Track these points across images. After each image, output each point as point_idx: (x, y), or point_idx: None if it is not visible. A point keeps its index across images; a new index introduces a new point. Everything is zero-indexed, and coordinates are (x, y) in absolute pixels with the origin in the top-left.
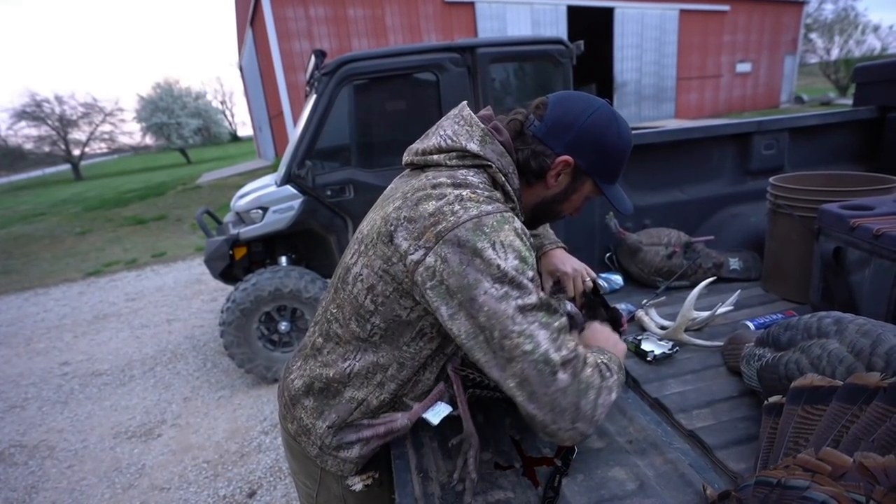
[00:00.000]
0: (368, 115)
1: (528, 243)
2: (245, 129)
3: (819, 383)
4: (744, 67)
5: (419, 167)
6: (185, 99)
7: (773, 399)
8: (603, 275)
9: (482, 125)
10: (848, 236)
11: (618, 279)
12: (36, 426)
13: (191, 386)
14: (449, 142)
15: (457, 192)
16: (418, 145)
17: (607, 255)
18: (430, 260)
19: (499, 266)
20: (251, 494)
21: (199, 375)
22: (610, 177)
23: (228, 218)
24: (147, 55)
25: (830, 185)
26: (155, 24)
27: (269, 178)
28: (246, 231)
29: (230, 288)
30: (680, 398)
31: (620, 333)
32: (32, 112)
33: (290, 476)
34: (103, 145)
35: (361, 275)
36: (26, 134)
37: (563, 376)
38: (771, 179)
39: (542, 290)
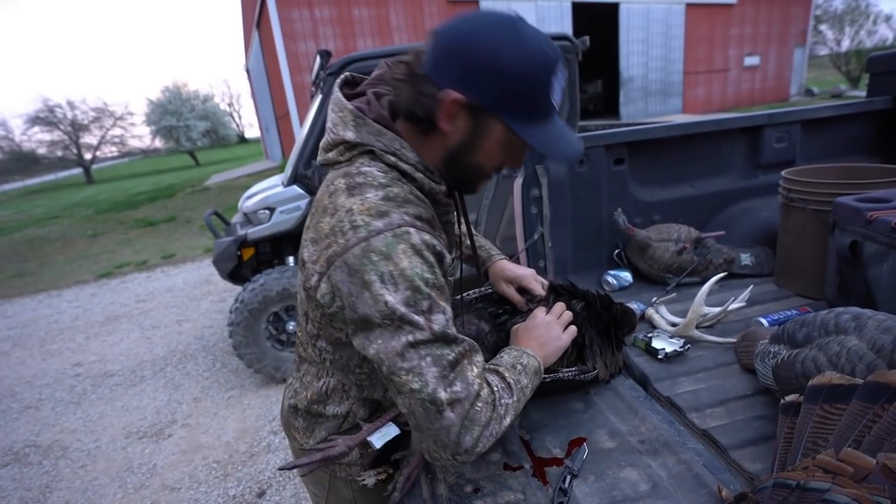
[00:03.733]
0: None
1: (428, 259)
2: (252, 131)
3: (838, 381)
4: (752, 61)
5: (329, 166)
6: (193, 102)
7: (789, 398)
8: (611, 272)
9: (349, 106)
10: (864, 230)
11: (627, 276)
12: (50, 426)
13: (200, 386)
14: (332, 135)
15: (349, 203)
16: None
17: (616, 251)
18: (324, 287)
19: (386, 303)
20: (261, 494)
21: (209, 376)
22: (523, 111)
23: (236, 219)
24: (155, 59)
25: (845, 177)
26: (163, 29)
27: (275, 179)
28: (253, 231)
29: (239, 288)
30: (692, 396)
31: (630, 333)
32: (45, 117)
33: (299, 477)
34: (114, 149)
35: (300, 299)
36: (40, 139)
37: (449, 415)
38: (783, 173)
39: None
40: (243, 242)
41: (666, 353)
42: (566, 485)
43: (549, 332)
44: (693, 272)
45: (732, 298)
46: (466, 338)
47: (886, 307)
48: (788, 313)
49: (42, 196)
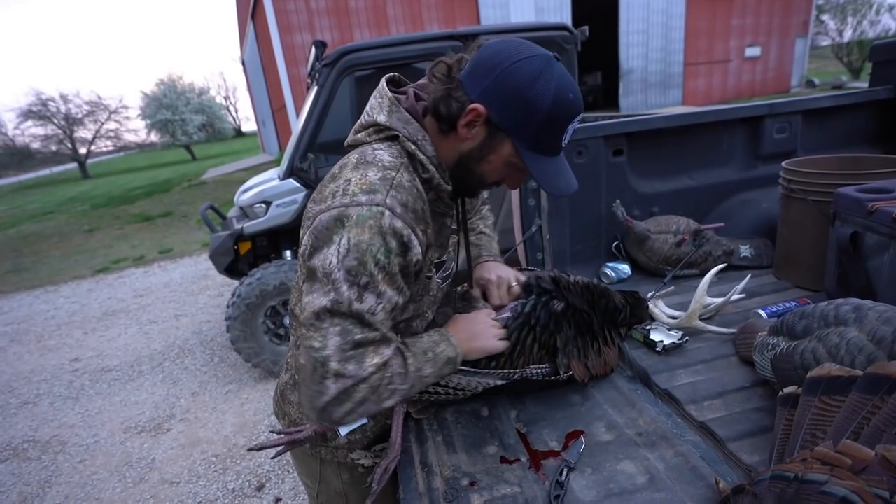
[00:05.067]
0: None
1: (389, 243)
2: (249, 125)
3: (837, 373)
4: (753, 52)
5: (354, 147)
6: (189, 95)
7: (788, 390)
8: (610, 264)
9: (389, 94)
10: (865, 220)
11: (625, 268)
12: (48, 422)
13: (199, 381)
14: (367, 117)
15: (351, 175)
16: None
17: (614, 243)
18: (307, 238)
19: (331, 262)
20: (260, 488)
21: (207, 370)
22: (534, 143)
23: (233, 213)
24: (150, 52)
25: (846, 168)
26: (157, 21)
27: (272, 172)
28: (250, 226)
29: (236, 283)
30: (690, 389)
31: (639, 323)
32: (39, 111)
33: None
34: (109, 143)
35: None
36: (33, 133)
37: (329, 385)
38: (784, 164)
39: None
40: (240, 236)
41: (664, 346)
42: (563, 478)
43: (486, 330)
44: (692, 264)
45: (736, 287)
46: (383, 330)
47: (887, 298)
48: (787, 305)
49: (37, 191)
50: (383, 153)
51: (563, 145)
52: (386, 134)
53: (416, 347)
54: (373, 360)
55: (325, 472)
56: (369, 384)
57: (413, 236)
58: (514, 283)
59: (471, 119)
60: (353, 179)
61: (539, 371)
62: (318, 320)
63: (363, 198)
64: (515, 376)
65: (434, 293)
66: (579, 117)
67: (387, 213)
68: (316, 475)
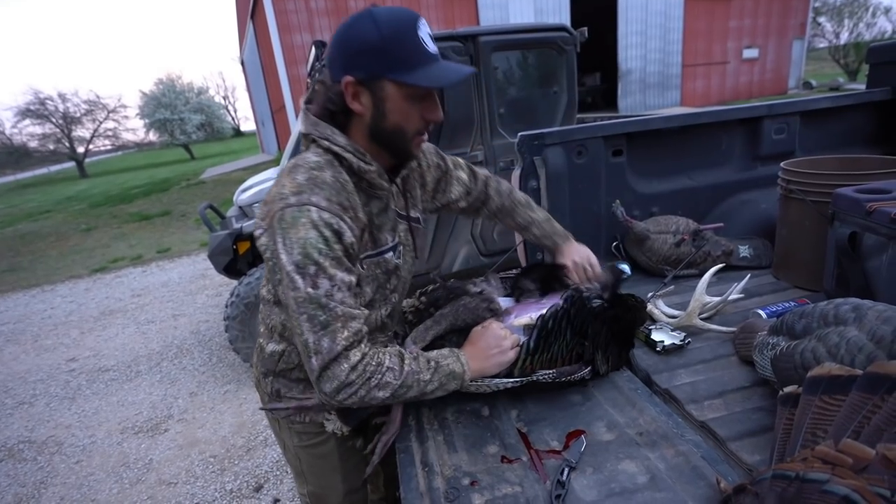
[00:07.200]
0: None
1: (324, 233)
2: (248, 124)
3: (837, 372)
4: (751, 53)
5: None
6: (188, 94)
7: (788, 389)
8: (609, 264)
9: (302, 107)
10: (864, 221)
11: (625, 268)
12: (44, 422)
13: (197, 381)
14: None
15: (285, 180)
16: None
17: (614, 243)
18: (264, 238)
19: (283, 259)
20: (258, 488)
21: (205, 370)
22: (402, 65)
23: (231, 212)
24: (148, 51)
25: (844, 168)
26: (156, 20)
27: (271, 172)
28: (249, 225)
29: (235, 282)
30: (691, 388)
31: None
32: (36, 110)
33: None
34: (107, 142)
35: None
36: (31, 132)
37: (313, 362)
38: (782, 164)
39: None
40: (239, 236)
41: (664, 346)
42: (564, 477)
43: (498, 343)
44: (691, 264)
45: (735, 285)
46: (346, 308)
47: (885, 298)
48: (787, 305)
49: (34, 190)
50: (309, 155)
51: (432, 51)
52: (309, 139)
53: (422, 356)
54: (343, 333)
55: (283, 434)
56: (350, 363)
57: (342, 223)
58: (589, 267)
59: (351, 91)
60: (286, 183)
61: (547, 375)
62: (291, 311)
63: (293, 199)
64: (518, 383)
65: (403, 276)
66: (421, 21)
67: (313, 209)
68: (279, 436)
